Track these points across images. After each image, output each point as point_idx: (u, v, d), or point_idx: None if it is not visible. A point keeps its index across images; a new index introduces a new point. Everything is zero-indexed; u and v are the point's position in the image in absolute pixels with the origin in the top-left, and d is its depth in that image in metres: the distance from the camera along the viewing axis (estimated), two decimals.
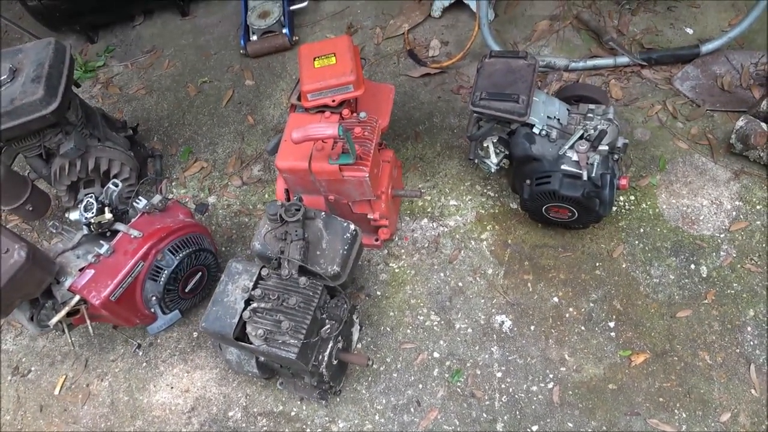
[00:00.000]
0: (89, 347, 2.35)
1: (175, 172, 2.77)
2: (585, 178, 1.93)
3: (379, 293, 2.28)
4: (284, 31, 2.97)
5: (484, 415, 1.98)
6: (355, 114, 2.07)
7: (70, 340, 2.15)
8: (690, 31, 2.66)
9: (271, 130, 2.79)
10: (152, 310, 2.12)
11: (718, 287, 2.06)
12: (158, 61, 3.17)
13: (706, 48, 2.47)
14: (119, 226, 2.09)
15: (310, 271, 1.96)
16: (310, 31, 3.10)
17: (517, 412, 1.97)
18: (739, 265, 2.09)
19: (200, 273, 2.24)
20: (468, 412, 1.99)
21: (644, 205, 2.27)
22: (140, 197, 2.13)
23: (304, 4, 3.05)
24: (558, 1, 2.88)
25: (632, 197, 2.29)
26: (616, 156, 2.04)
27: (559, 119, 2.07)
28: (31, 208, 2.49)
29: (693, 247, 2.15)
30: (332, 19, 3.12)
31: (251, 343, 1.76)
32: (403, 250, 2.35)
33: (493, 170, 2.15)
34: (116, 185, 2.31)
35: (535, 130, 2.02)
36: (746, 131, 2.18)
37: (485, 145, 2.09)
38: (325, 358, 1.89)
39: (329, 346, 1.91)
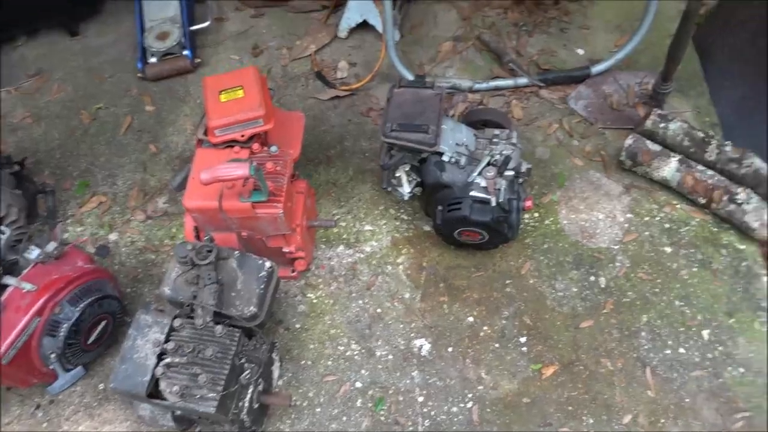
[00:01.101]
0: None
1: (71, 208, 2.58)
2: (493, 203, 2.01)
3: (298, 326, 2.25)
4: (185, 52, 2.85)
5: None
6: (265, 148, 2.03)
7: None
8: (581, 51, 2.83)
9: (176, 159, 2.67)
10: (52, 367, 1.97)
11: (615, 297, 2.22)
12: (46, 86, 2.94)
13: (595, 69, 2.64)
14: (8, 279, 1.92)
15: (226, 315, 1.91)
16: (213, 51, 3.00)
17: None
18: (632, 275, 2.26)
19: (105, 321, 2.11)
20: None
21: (547, 222, 2.39)
22: (32, 246, 1.97)
23: (206, 24, 2.95)
24: (460, 21, 2.97)
25: (536, 214, 2.41)
26: (521, 179, 2.13)
27: (467, 146, 2.14)
28: None
29: (592, 260, 2.30)
30: (236, 39, 3.03)
31: (166, 400, 1.69)
32: (320, 280, 2.34)
33: (406, 198, 2.19)
34: (2, 232, 2.13)
35: (445, 158, 2.08)
36: (634, 149, 2.36)
37: (398, 174, 2.13)
38: (246, 404, 1.85)
39: (249, 391, 1.86)
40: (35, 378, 2.01)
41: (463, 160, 2.08)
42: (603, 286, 2.25)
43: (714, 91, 2.65)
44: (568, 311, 2.21)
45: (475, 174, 2.04)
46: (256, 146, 2.00)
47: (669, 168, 2.32)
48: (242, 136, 1.99)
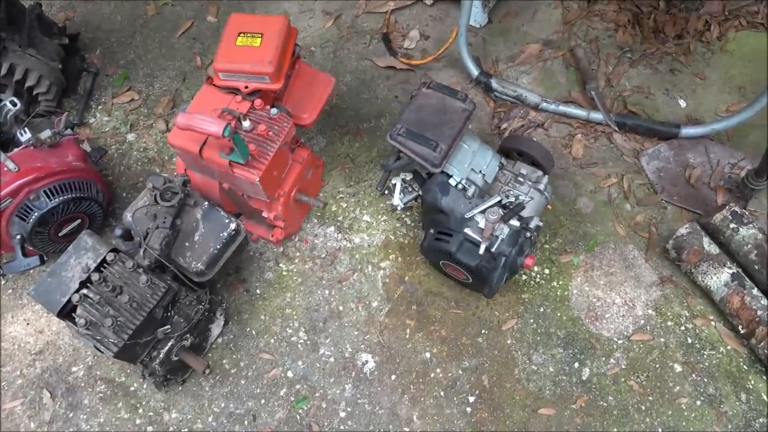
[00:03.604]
0: None
1: (105, 95, 2.58)
2: (482, 250, 1.76)
3: (258, 292, 2.16)
4: None
5: None
6: (267, 107, 1.87)
7: None
8: (683, 103, 2.38)
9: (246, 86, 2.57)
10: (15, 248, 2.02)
11: (592, 395, 1.93)
12: None
13: (686, 131, 2.21)
14: None
15: (174, 262, 1.84)
16: None
17: None
18: (623, 379, 1.95)
19: (79, 220, 2.11)
20: None
21: (555, 284, 2.10)
22: (26, 129, 1.97)
23: None
24: (561, 24, 2.58)
25: (546, 271, 2.12)
26: (528, 234, 1.84)
27: (484, 174, 1.87)
28: None
29: (585, 345, 2.00)
30: None
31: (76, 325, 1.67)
32: (298, 254, 2.22)
33: (397, 209, 1.97)
34: (14, 104, 2.16)
35: (452, 182, 1.83)
36: (682, 242, 1.98)
37: (393, 182, 1.91)
38: (161, 356, 1.81)
39: (169, 344, 1.81)
40: (2, 249, 2.07)
41: (471, 190, 1.82)
42: (584, 378, 1.96)
43: None
44: (533, 389, 1.96)
45: (477, 210, 1.78)
46: (258, 102, 1.84)
47: (717, 278, 1.93)
48: (246, 87, 1.83)
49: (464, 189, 1.83)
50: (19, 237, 1.99)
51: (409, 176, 1.91)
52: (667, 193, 2.19)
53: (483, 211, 1.79)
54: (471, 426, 1.92)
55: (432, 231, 1.89)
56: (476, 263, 1.79)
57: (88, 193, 2.07)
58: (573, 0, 2.62)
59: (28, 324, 2.15)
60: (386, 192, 1.99)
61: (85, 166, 2.09)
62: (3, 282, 2.21)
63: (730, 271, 1.92)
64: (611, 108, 2.34)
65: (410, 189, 1.94)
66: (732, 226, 1.97)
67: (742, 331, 1.91)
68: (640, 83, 2.43)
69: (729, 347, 1.96)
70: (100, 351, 1.67)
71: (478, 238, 1.78)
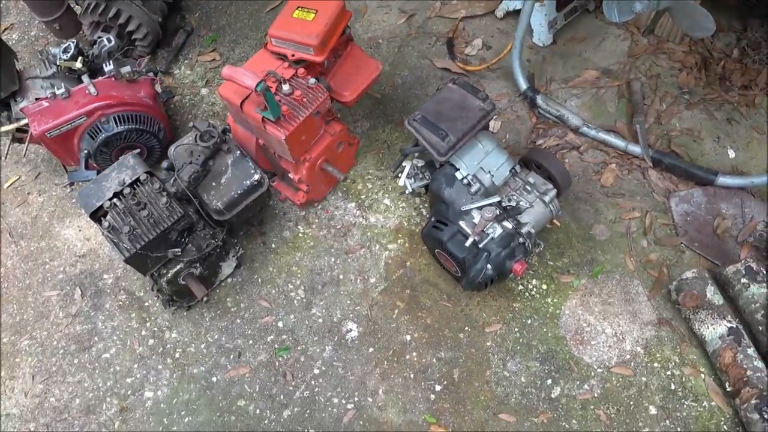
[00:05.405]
0: (48, 164, 2.65)
1: (192, 52, 2.90)
2: (468, 243, 1.82)
3: (273, 246, 2.34)
4: None
5: (281, 397, 2.05)
6: (309, 77, 2.05)
7: (25, 150, 2.42)
8: (732, 154, 2.29)
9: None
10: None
11: (557, 414, 1.92)
12: None
13: (722, 180, 2.13)
14: (84, 78, 2.27)
15: (199, 197, 2.06)
16: None
17: (308, 412, 2.02)
18: (592, 407, 1.92)
19: (139, 150, 2.40)
20: (270, 386, 2.07)
21: (549, 300, 2.10)
22: (111, 62, 2.29)
23: None
24: (625, 57, 2.57)
25: (544, 286, 2.13)
26: (522, 240, 1.88)
27: (493, 176, 1.93)
28: (58, 27, 2.74)
29: (563, 365, 1.99)
30: None
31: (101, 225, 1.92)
32: (317, 220, 2.38)
33: (405, 191, 2.07)
34: (109, 41, 2.49)
35: (458, 175, 1.91)
36: (683, 285, 1.92)
37: (403, 164, 2.01)
38: (169, 275, 2.02)
39: (178, 266, 2.03)
40: (73, 161, 2.41)
41: (476, 187, 1.89)
42: (553, 396, 1.96)
43: None
44: (500, 394, 1.98)
45: (474, 206, 1.85)
46: (301, 71, 2.03)
47: (714, 329, 1.86)
48: (292, 55, 2.02)
49: (469, 185, 1.90)
50: (86, 152, 2.31)
51: (421, 162, 2.01)
52: (689, 238, 2.12)
53: (480, 208, 1.85)
54: (430, 413, 1.97)
55: (432, 219, 1.97)
56: (463, 255, 1.85)
57: (150, 127, 2.36)
58: (644, 35, 2.60)
59: (80, 230, 2.47)
60: (399, 175, 2.10)
61: (153, 105, 2.38)
62: (69, 190, 2.55)
63: (729, 325, 1.84)
64: (654, 144, 2.30)
65: (422, 176, 2.04)
66: (743, 281, 1.89)
67: (728, 389, 1.82)
68: (692, 126, 2.37)
69: (713, 403, 1.87)
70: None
71: (469, 232, 1.84)
